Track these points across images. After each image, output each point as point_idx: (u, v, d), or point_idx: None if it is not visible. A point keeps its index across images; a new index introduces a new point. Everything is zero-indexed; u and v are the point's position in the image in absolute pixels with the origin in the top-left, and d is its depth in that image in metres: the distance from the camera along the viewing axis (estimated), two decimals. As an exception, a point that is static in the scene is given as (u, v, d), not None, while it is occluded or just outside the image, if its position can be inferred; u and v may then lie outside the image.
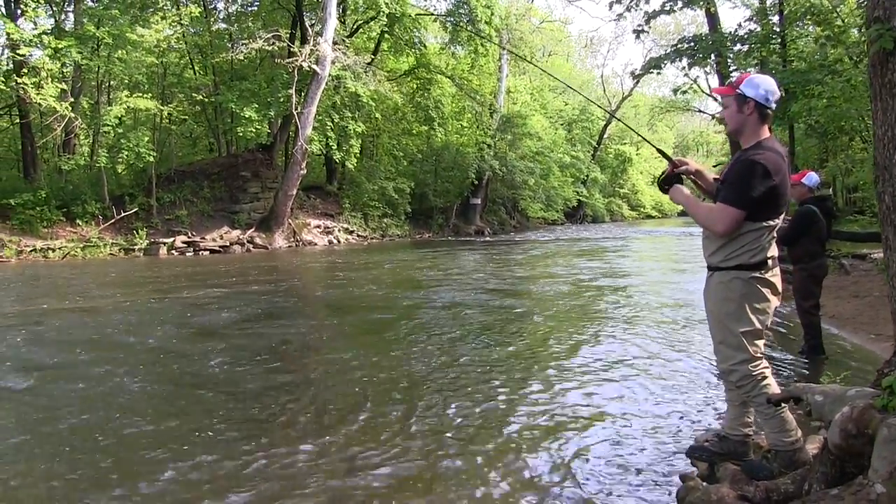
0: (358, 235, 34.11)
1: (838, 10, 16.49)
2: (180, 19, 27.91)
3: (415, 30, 35.55)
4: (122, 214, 26.13)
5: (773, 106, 3.82)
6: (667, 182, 4.14)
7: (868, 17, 3.50)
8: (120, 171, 26.51)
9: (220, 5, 34.71)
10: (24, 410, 5.99)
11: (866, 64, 11.35)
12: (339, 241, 32.09)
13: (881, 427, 3.01)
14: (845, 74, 13.61)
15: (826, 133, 15.89)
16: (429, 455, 4.78)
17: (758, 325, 3.78)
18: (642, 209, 75.49)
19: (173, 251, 25.61)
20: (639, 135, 7.54)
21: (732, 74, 16.90)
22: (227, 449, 4.94)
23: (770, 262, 3.79)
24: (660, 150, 4.50)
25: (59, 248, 23.53)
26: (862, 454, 3.13)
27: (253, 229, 28.67)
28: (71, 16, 28.90)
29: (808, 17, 16.00)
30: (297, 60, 27.42)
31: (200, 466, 4.63)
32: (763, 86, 3.76)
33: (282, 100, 28.55)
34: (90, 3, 27.88)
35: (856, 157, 22.78)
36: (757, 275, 3.75)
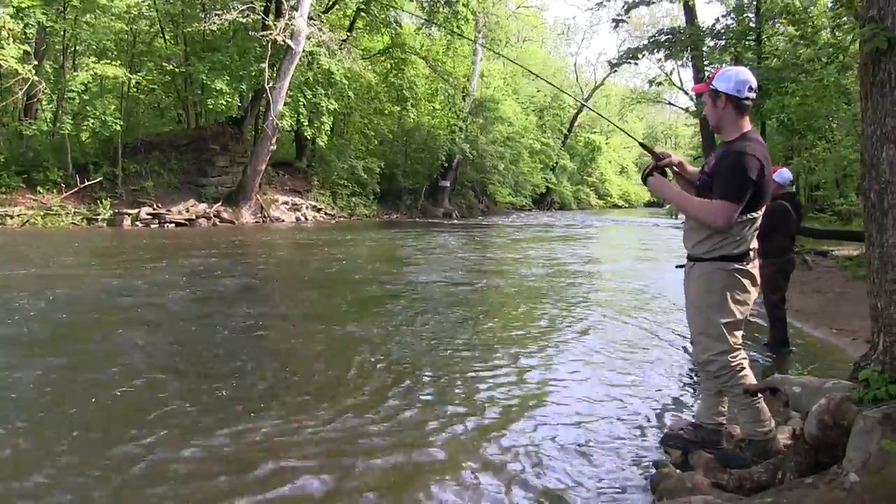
0: (326, 214, 33.97)
1: (809, 11, 16.67)
2: (152, -14, 27.38)
3: (391, 8, 35.31)
4: (86, 183, 25.66)
5: (750, 96, 3.80)
6: (651, 176, 4.11)
7: (862, 16, 3.62)
8: (84, 139, 26.08)
9: (194, -26, 34.15)
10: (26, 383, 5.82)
11: (836, 66, 11.45)
12: (306, 219, 31.93)
13: (857, 419, 3.10)
14: (817, 74, 13.76)
15: (796, 131, 16.12)
16: (395, 434, 4.75)
17: (739, 316, 3.82)
18: (609, 198, 76.07)
19: (138, 223, 25.26)
20: (617, 126, 7.49)
21: (707, 68, 17.01)
22: (223, 416, 4.98)
23: (752, 253, 3.82)
24: (642, 144, 4.46)
25: (18, 216, 23.09)
26: (837, 444, 3.22)
27: (220, 203, 28.38)
28: (37, -25, 28.20)
29: (783, 16, 16.15)
30: (271, 34, 27.07)
31: (201, 433, 4.65)
32: (734, 78, 3.77)
33: (254, 73, 28.17)
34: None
35: (819, 157, 23.12)
36: (739, 266, 3.78)
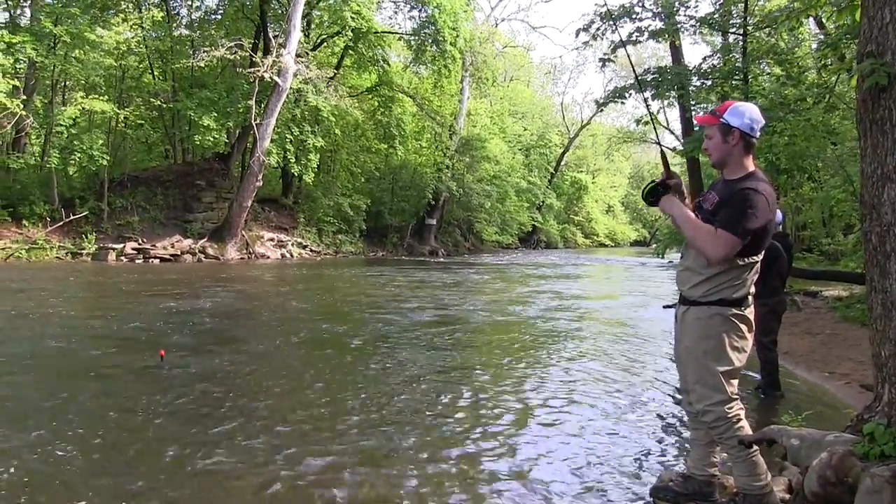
0: (311, 250, 33.84)
1: (795, 51, 16.87)
2: (142, 22, 27.47)
3: (379, 47, 35.59)
4: (72, 217, 25.56)
5: (758, 135, 3.67)
6: (654, 193, 3.91)
7: (859, 52, 3.43)
8: (71, 172, 25.99)
9: (184, 11, 34.35)
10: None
11: (823, 106, 11.45)
12: (291, 256, 31.78)
13: (864, 477, 2.93)
14: (804, 114, 13.83)
15: (784, 171, 16.16)
16: (378, 477, 4.64)
17: (737, 364, 3.64)
18: (595, 237, 76.17)
19: (122, 257, 25.10)
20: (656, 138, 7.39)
21: (694, 108, 17.14)
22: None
23: (749, 298, 3.65)
24: (663, 156, 4.33)
25: (3, 249, 22.88)
26: (841, 503, 3.04)
27: (205, 239, 28.27)
28: (28, 11, 28.32)
29: (770, 56, 16.31)
30: (258, 71, 27.23)
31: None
32: (748, 114, 3.60)
33: (241, 110, 28.26)
34: (49, 0, 27.25)
35: (806, 196, 23.25)
36: (737, 311, 3.61)
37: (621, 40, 16.33)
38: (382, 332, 11.06)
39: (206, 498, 4.24)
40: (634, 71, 6.90)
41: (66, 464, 4.65)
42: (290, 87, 28.62)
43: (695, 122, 6.88)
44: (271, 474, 4.57)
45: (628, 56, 7.65)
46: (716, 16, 17.26)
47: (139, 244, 26.19)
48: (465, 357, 9.21)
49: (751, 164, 3.69)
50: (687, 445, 5.08)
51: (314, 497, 4.31)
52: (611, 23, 16.36)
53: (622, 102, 16.71)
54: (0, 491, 4.14)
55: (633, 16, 16.55)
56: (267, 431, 5.49)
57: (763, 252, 3.67)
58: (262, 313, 13.28)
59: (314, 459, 4.89)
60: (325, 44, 36.35)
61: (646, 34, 16.16)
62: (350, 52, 35.57)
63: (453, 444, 5.42)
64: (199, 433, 5.40)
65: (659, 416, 6.49)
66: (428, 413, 6.29)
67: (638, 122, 17.90)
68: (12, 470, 4.45)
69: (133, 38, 27.63)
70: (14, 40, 22.73)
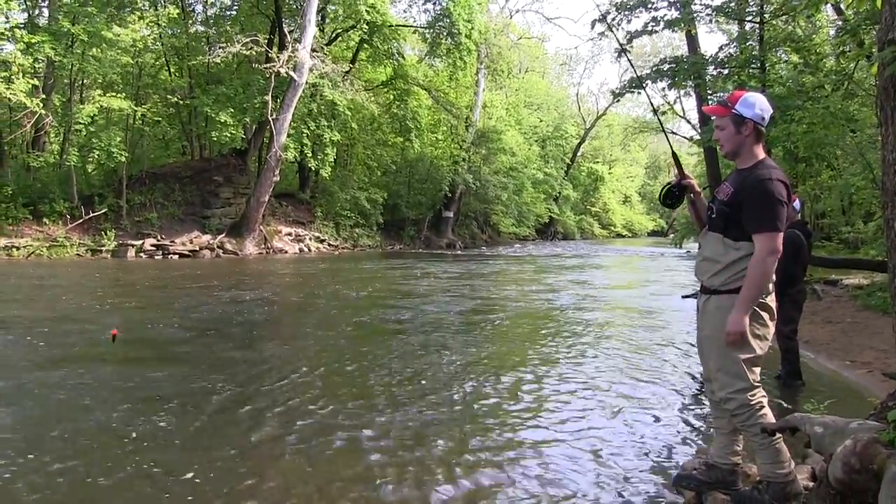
0: (329, 244, 33.89)
1: (813, 38, 16.70)
2: (158, 20, 27.56)
3: (394, 40, 35.56)
4: (91, 215, 25.70)
5: (765, 124, 3.72)
6: (670, 195, 4.06)
7: (880, 39, 3.40)
8: (90, 170, 26.17)
9: (199, 8, 34.45)
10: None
11: (842, 93, 11.36)
12: (309, 250, 31.85)
13: (889, 463, 2.88)
14: (823, 102, 13.71)
15: (802, 159, 16.01)
16: (404, 469, 4.68)
17: (758, 352, 3.64)
18: (613, 228, 75.87)
19: (142, 254, 25.25)
20: (667, 136, 7.30)
21: (711, 97, 17.03)
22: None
23: (770, 285, 3.64)
24: (674, 155, 4.36)
25: (24, 247, 23.05)
26: (866, 490, 3.00)
27: (223, 235, 28.36)
28: (45, 11, 28.46)
29: (787, 44, 16.17)
30: (274, 66, 27.27)
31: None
32: (758, 104, 3.66)
33: (257, 105, 28.38)
34: (66, 0, 27.41)
35: (825, 184, 23.06)
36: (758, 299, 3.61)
37: (637, 30, 16.22)
38: (433, 320, 11.72)
39: (269, 465, 4.81)
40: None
41: (169, 432, 5.40)
42: (306, 82, 28.68)
43: (704, 111, 6.85)
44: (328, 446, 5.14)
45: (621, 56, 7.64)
46: (732, 4, 17.11)
47: (158, 240, 26.32)
48: (506, 344, 9.80)
49: (761, 152, 3.74)
50: (710, 434, 5.09)
51: (363, 475, 4.61)
52: (626, 13, 16.31)
53: (638, 92, 16.60)
54: (135, 456, 4.81)
55: (649, 5, 16.47)
56: (329, 408, 6.10)
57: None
58: (318, 303, 13.86)
59: (364, 445, 5.20)
60: (340, 38, 36.33)
61: (661, 24, 16.07)
62: (365, 45, 35.54)
63: (493, 428, 5.62)
64: (279, 411, 6.01)
65: (682, 404, 6.52)
66: (472, 398, 6.54)
67: (655, 111, 17.69)
68: (135, 435, 5.24)
69: (149, 35, 27.66)
70: (33, 40, 22.91)
